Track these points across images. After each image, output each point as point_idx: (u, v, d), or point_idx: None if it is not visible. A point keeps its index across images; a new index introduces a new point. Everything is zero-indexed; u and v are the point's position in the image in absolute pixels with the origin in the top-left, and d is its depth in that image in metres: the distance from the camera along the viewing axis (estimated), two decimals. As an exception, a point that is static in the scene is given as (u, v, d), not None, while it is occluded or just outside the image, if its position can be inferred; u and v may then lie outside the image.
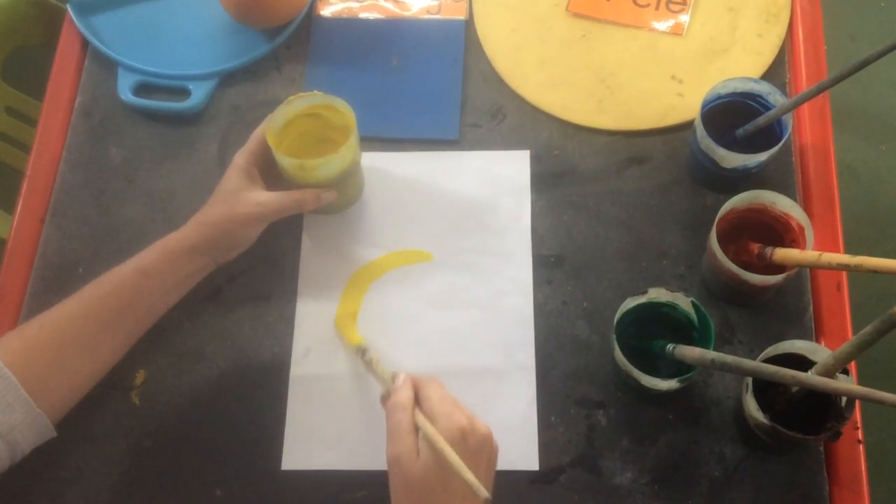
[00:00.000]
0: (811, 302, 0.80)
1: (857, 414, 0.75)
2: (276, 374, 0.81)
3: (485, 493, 0.58)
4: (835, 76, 0.70)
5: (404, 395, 0.65)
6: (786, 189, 0.83)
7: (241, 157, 0.80)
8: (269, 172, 0.81)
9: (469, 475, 0.59)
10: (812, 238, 0.72)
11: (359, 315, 0.82)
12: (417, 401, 0.65)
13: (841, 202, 0.85)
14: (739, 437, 0.76)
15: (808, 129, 0.87)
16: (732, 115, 0.80)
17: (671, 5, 0.93)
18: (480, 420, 0.64)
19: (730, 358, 0.63)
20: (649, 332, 0.75)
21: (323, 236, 0.86)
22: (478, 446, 0.63)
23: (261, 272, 0.85)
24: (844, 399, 0.67)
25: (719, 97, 0.80)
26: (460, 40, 0.94)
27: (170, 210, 0.88)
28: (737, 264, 0.72)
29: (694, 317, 0.73)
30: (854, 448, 0.75)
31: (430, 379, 0.67)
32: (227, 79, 0.94)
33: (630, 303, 0.72)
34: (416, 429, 0.63)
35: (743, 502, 0.74)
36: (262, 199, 0.78)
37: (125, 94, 0.92)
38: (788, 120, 0.77)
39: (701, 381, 0.78)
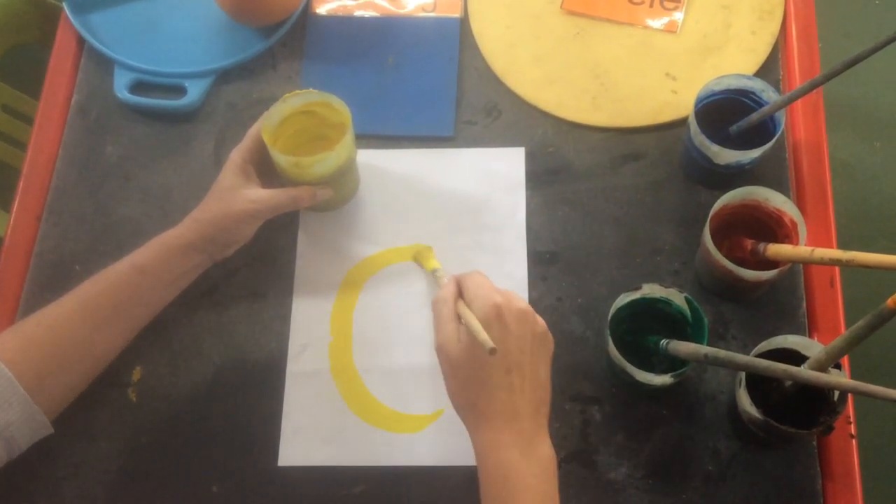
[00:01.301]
0: (804, 297, 0.81)
1: (850, 408, 0.75)
2: (273, 371, 0.81)
3: (490, 344, 0.60)
4: (827, 72, 0.70)
5: (446, 289, 0.68)
6: (779, 185, 0.84)
7: (236, 155, 0.80)
8: (265, 170, 0.82)
9: (478, 330, 0.62)
10: (805, 234, 0.73)
11: (355, 311, 0.83)
12: (461, 293, 0.68)
13: (835, 199, 0.85)
14: (733, 431, 0.76)
15: (802, 125, 0.88)
16: (726, 111, 0.80)
17: (665, 3, 0.93)
18: (520, 299, 0.66)
19: (723, 353, 0.63)
20: (643, 327, 0.75)
21: (319, 233, 0.86)
22: (515, 320, 0.64)
23: (257, 269, 0.85)
24: (837, 393, 0.67)
25: (713, 94, 0.81)
26: (455, 38, 0.94)
27: (166, 207, 0.88)
28: (730, 260, 0.72)
29: (688, 312, 0.73)
30: (847, 442, 0.75)
31: (472, 272, 0.69)
32: (224, 77, 0.94)
33: (624, 298, 0.73)
34: (458, 318, 0.66)
35: (736, 497, 0.74)
36: (257, 196, 0.78)
37: (121, 91, 0.93)
38: (781, 116, 0.77)
39: (695, 376, 0.78)
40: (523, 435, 0.64)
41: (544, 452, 0.64)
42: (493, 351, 0.60)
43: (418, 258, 0.84)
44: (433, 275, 0.82)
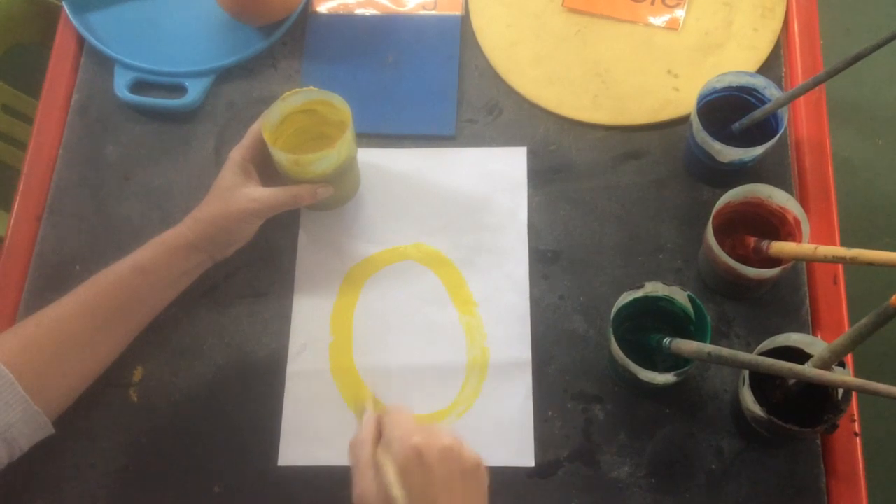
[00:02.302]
0: (808, 295, 0.80)
1: (854, 407, 0.75)
2: (273, 371, 0.81)
3: (395, 491, 0.56)
4: (830, 70, 0.70)
5: (364, 431, 0.62)
6: (782, 183, 0.83)
7: (237, 154, 0.80)
8: (265, 169, 0.81)
9: (390, 484, 0.56)
10: (808, 231, 0.73)
11: (355, 311, 0.82)
12: (380, 435, 0.62)
13: (837, 196, 0.85)
14: (736, 430, 0.76)
15: (804, 122, 0.88)
16: (728, 109, 0.80)
17: (667, 0, 0.93)
18: (447, 435, 0.60)
19: (726, 351, 0.63)
20: (646, 326, 0.75)
21: (319, 233, 0.86)
22: (439, 461, 0.58)
23: (257, 269, 0.85)
24: (841, 391, 0.67)
25: (715, 91, 0.81)
26: (456, 36, 0.94)
27: (167, 207, 0.88)
28: (733, 258, 0.72)
29: (690, 310, 0.73)
30: (851, 441, 0.75)
31: (394, 408, 0.63)
32: (224, 76, 0.94)
33: (627, 297, 0.73)
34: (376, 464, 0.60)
35: (740, 495, 0.74)
36: (257, 194, 0.78)
37: (121, 91, 0.92)
38: (784, 114, 0.77)
39: (698, 374, 0.78)
40: None
41: None
42: (396, 500, 0.55)
43: (358, 405, 0.78)
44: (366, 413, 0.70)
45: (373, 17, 0.96)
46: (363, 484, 0.59)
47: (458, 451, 0.59)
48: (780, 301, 0.80)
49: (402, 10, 0.96)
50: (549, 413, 0.78)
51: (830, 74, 0.70)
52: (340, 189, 0.84)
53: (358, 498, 0.59)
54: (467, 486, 0.59)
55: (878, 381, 0.55)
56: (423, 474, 0.57)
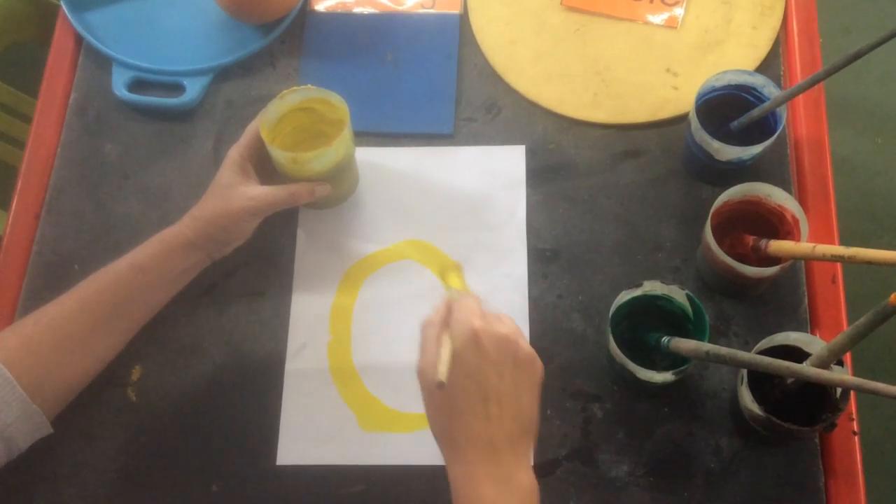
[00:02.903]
0: (806, 294, 0.80)
1: (853, 405, 0.75)
2: (272, 370, 0.81)
3: (440, 376, 0.58)
4: (828, 68, 0.70)
5: (436, 312, 0.65)
6: (780, 181, 0.83)
7: (235, 152, 0.80)
8: (263, 167, 0.81)
9: (442, 360, 0.59)
10: (807, 230, 0.72)
11: (354, 309, 0.82)
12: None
13: (837, 195, 0.85)
14: (735, 429, 0.76)
15: (803, 121, 0.87)
16: (727, 107, 0.80)
17: (666, -2, 0.93)
18: (508, 324, 0.63)
19: (724, 350, 0.63)
20: (644, 324, 0.75)
21: (318, 231, 0.86)
22: (495, 346, 0.61)
23: (256, 267, 0.85)
24: (839, 390, 0.67)
25: (714, 90, 0.80)
26: (455, 35, 0.94)
27: (165, 206, 0.88)
28: (732, 257, 0.72)
29: (689, 309, 0.73)
30: (849, 439, 0.75)
31: (466, 296, 0.66)
32: (222, 74, 0.94)
33: (625, 296, 0.73)
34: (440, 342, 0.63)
35: (739, 494, 0.74)
36: (255, 193, 0.78)
37: (119, 90, 0.92)
38: (783, 112, 0.77)
39: (696, 373, 0.78)
40: (500, 467, 0.60)
41: (523, 484, 0.60)
42: (440, 385, 0.58)
43: (444, 273, 0.82)
44: (447, 293, 0.76)
45: (371, 15, 0.96)
46: (424, 360, 0.62)
47: (515, 341, 0.62)
48: (779, 300, 0.80)
49: (400, 8, 0.96)
50: (548, 412, 0.78)
51: (829, 73, 0.70)
52: (338, 187, 0.84)
53: (419, 373, 0.62)
54: (519, 374, 0.62)
55: (877, 379, 0.55)
56: (477, 356, 0.60)
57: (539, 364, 0.64)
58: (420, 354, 0.63)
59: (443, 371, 0.58)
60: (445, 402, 0.61)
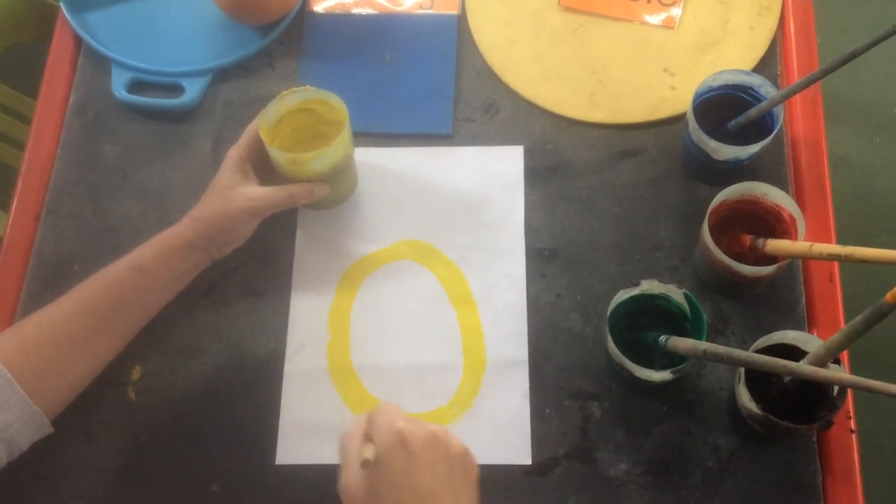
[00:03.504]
0: (803, 293, 0.81)
1: (850, 404, 0.75)
2: (271, 369, 0.81)
3: (364, 455, 0.56)
4: (825, 67, 0.70)
5: (353, 426, 0.61)
6: (778, 181, 0.84)
7: (234, 153, 0.80)
8: (262, 168, 0.82)
9: (364, 453, 0.56)
10: (803, 229, 0.73)
11: (352, 309, 0.83)
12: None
13: (834, 195, 0.85)
14: (733, 427, 0.76)
15: (800, 120, 0.88)
16: (724, 107, 0.80)
17: (663, -2, 0.93)
18: (435, 425, 0.59)
19: (722, 348, 0.63)
20: (642, 324, 0.75)
21: (317, 232, 0.86)
22: (423, 446, 0.58)
23: (255, 268, 0.85)
24: (836, 389, 0.67)
25: (711, 90, 0.81)
26: (453, 35, 0.94)
27: (165, 206, 0.88)
28: (729, 256, 0.72)
29: (687, 308, 0.73)
30: (847, 438, 0.75)
31: (382, 405, 0.62)
32: (221, 75, 0.94)
33: (623, 295, 0.73)
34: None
35: (737, 492, 0.74)
36: (255, 193, 0.78)
37: (119, 91, 0.93)
38: (780, 112, 0.77)
39: (694, 372, 0.78)
40: None
41: None
42: (365, 463, 0.56)
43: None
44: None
45: (370, 16, 0.96)
46: (348, 476, 0.58)
47: (445, 438, 0.59)
48: (776, 299, 0.80)
49: (398, 9, 0.96)
50: (547, 411, 0.78)
51: (826, 72, 0.71)
52: (337, 188, 0.84)
53: (342, 489, 0.59)
54: (453, 471, 0.58)
55: (875, 378, 0.56)
56: (405, 458, 0.57)
57: (473, 460, 0.60)
58: (342, 472, 0.59)
59: (366, 453, 0.56)
60: None
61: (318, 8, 0.97)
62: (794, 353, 0.68)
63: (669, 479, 0.75)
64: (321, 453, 0.77)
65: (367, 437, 0.60)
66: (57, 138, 0.93)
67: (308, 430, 0.78)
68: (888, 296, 0.53)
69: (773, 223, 0.77)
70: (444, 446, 0.58)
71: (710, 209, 0.74)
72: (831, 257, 0.66)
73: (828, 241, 0.82)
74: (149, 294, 0.78)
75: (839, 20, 1.81)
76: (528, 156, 0.88)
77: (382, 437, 0.58)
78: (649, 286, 0.73)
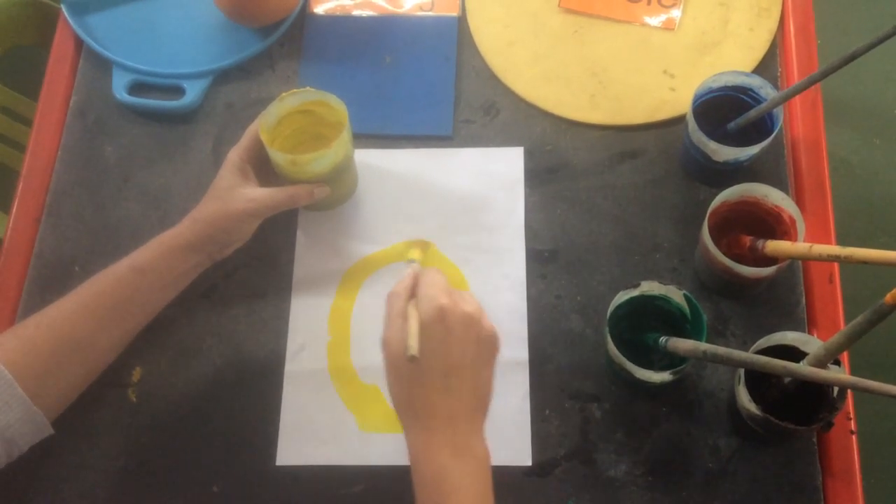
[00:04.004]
0: (803, 294, 0.81)
1: (850, 405, 0.75)
2: (272, 370, 0.81)
3: (411, 350, 0.60)
4: (825, 69, 0.70)
5: (402, 284, 0.67)
6: (778, 182, 0.84)
7: (234, 154, 0.80)
8: (263, 169, 0.82)
9: (410, 334, 0.61)
10: (803, 230, 0.73)
11: (353, 310, 0.83)
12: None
13: (835, 196, 0.85)
14: (733, 428, 0.76)
15: (800, 122, 0.88)
16: (724, 108, 0.80)
17: (663, 0, 0.93)
18: (472, 302, 0.65)
19: (722, 349, 0.63)
20: (642, 325, 0.75)
21: (317, 233, 0.86)
22: (460, 324, 0.63)
23: (256, 269, 0.85)
24: (836, 390, 0.67)
25: (711, 91, 0.81)
26: (453, 37, 0.94)
27: (165, 208, 0.89)
28: (729, 257, 0.72)
29: (686, 309, 0.73)
30: (847, 439, 0.75)
31: (430, 269, 0.68)
32: (221, 77, 0.94)
33: (623, 296, 0.73)
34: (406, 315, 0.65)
35: (737, 493, 0.74)
36: (255, 195, 0.78)
37: (119, 93, 0.93)
38: (779, 113, 0.77)
39: (694, 373, 0.78)
40: (457, 437, 0.63)
41: (478, 452, 0.64)
42: (412, 359, 0.60)
43: (408, 247, 0.84)
44: (408, 265, 0.79)
45: (370, 18, 0.96)
46: (390, 331, 0.64)
47: (479, 319, 0.65)
48: (776, 300, 0.80)
49: (398, 11, 0.96)
50: (547, 412, 0.78)
51: (825, 73, 0.71)
52: (337, 189, 0.84)
53: (384, 343, 0.65)
54: (480, 350, 0.65)
55: (875, 379, 0.56)
56: (443, 332, 0.63)
57: (498, 341, 0.67)
58: (385, 325, 0.65)
59: (413, 345, 0.61)
60: (409, 373, 0.63)
61: (319, 10, 0.97)
62: (794, 354, 0.68)
63: (669, 480, 0.75)
64: (321, 454, 0.77)
65: (412, 298, 0.66)
66: (58, 140, 0.93)
67: (309, 432, 0.78)
68: (888, 297, 0.53)
69: (772, 224, 0.77)
70: (477, 327, 0.65)
71: (709, 210, 0.74)
72: (831, 258, 0.66)
73: (828, 241, 0.82)
74: (149, 295, 0.78)
75: (839, 21, 1.81)
76: (528, 157, 0.88)
77: (425, 309, 0.63)
78: (649, 287, 0.73)
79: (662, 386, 0.75)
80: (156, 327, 0.81)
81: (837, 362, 0.66)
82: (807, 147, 0.87)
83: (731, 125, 0.79)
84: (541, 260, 0.84)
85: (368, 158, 0.89)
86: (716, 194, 0.75)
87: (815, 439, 0.76)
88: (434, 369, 0.63)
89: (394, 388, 0.65)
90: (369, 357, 0.81)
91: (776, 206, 0.76)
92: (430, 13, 0.96)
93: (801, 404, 0.68)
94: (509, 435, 0.77)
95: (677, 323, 0.75)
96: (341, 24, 0.96)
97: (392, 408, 0.67)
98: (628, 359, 0.69)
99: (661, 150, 0.88)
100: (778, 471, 0.75)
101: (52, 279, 0.86)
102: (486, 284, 0.83)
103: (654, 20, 0.93)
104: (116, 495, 0.78)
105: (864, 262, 0.63)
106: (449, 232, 0.85)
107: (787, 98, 0.74)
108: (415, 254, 0.83)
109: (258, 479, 0.77)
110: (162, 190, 0.90)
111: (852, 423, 0.76)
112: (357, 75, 0.93)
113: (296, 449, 0.78)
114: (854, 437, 0.75)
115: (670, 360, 0.74)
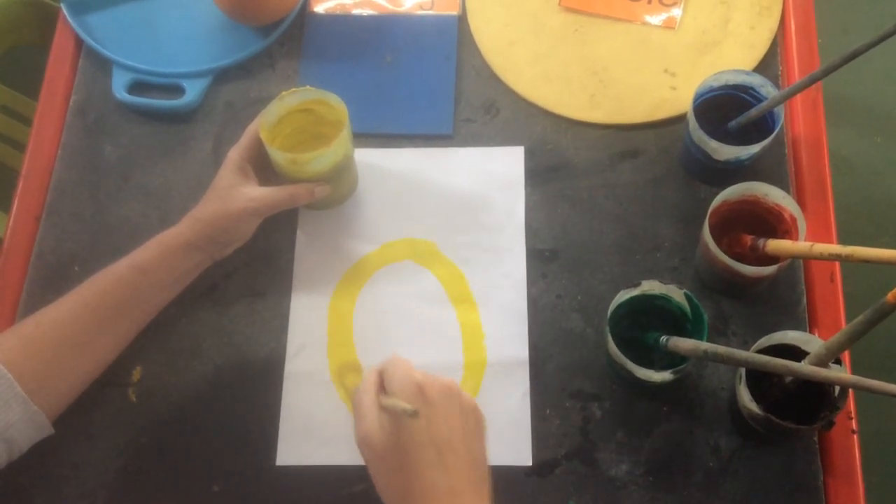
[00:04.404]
0: (805, 293, 0.80)
1: (851, 404, 0.75)
2: (272, 370, 0.81)
3: (409, 407, 0.58)
4: (826, 67, 0.70)
5: (367, 380, 0.65)
6: (778, 181, 0.84)
7: (234, 153, 0.80)
8: (263, 168, 0.82)
9: (396, 402, 0.59)
10: (804, 229, 0.73)
11: (353, 310, 0.83)
12: (382, 382, 0.65)
13: (836, 195, 0.85)
14: (734, 427, 0.76)
15: (801, 120, 0.88)
16: (725, 107, 0.80)
17: (663, -1, 0.93)
18: (447, 378, 0.64)
19: (723, 349, 0.63)
20: (643, 324, 0.75)
21: (317, 232, 0.86)
22: (440, 395, 0.62)
23: (256, 268, 0.85)
24: (837, 389, 0.67)
25: (711, 90, 0.81)
26: (453, 36, 0.94)
27: (165, 207, 0.88)
28: (730, 256, 0.72)
29: (687, 309, 0.73)
30: (848, 438, 0.75)
31: (391, 359, 0.66)
32: (221, 76, 0.94)
33: (623, 295, 0.73)
34: (380, 408, 0.63)
35: (738, 493, 0.74)
36: (255, 194, 0.78)
37: (119, 92, 0.93)
38: (780, 112, 0.77)
39: (695, 372, 0.78)
40: None
41: None
42: (414, 413, 0.58)
43: (342, 375, 0.81)
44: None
45: (370, 17, 0.96)
46: (367, 425, 0.62)
47: (457, 390, 0.63)
48: (777, 299, 0.80)
49: (399, 10, 0.96)
50: (547, 411, 0.78)
51: (826, 72, 0.71)
52: (338, 188, 0.84)
53: (362, 440, 0.62)
54: (467, 422, 0.63)
55: (876, 378, 0.56)
56: (424, 406, 0.61)
57: (481, 413, 0.65)
58: (358, 425, 0.62)
59: (406, 405, 0.58)
60: (399, 464, 0.61)
61: (319, 9, 0.97)
62: (795, 353, 0.68)
63: (670, 480, 0.75)
64: (322, 454, 0.77)
65: (381, 391, 0.63)
66: (58, 139, 0.93)
67: (309, 432, 0.78)
68: (889, 296, 0.53)
69: (773, 223, 0.77)
70: (457, 397, 0.63)
71: (710, 209, 0.74)
72: (832, 257, 0.66)
73: (829, 240, 0.82)
74: (149, 294, 0.78)
75: (840, 20, 1.80)
76: (529, 156, 0.88)
77: (402, 387, 0.62)
78: (650, 286, 0.73)
79: (663, 385, 0.75)
80: (156, 327, 0.81)
81: (839, 361, 0.66)
82: (808, 146, 0.87)
83: (732, 124, 0.79)
84: (541, 259, 0.84)
85: (369, 157, 0.89)
86: (716, 193, 0.75)
87: (816, 439, 0.76)
88: (425, 449, 0.60)
89: (383, 481, 0.62)
90: (370, 357, 0.81)
91: (777, 205, 0.75)
92: (431, 12, 0.95)
93: (803, 404, 0.68)
94: (509, 435, 0.77)
95: (678, 322, 0.75)
96: (341, 23, 0.96)
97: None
98: (629, 358, 0.69)
99: (662, 149, 0.88)
100: (779, 470, 0.74)
101: (52, 278, 0.86)
102: (486, 283, 0.83)
103: (655, 19, 0.93)
104: (116, 495, 0.78)
105: (866, 261, 0.63)
106: (449, 231, 0.85)
107: (787, 97, 0.74)
108: (353, 379, 0.80)
109: (258, 479, 0.77)
110: (162, 189, 0.90)
111: (854, 422, 0.75)
112: (357, 74, 0.93)
113: (296, 449, 0.78)
114: (855, 436, 0.75)
115: (671, 360, 0.74)
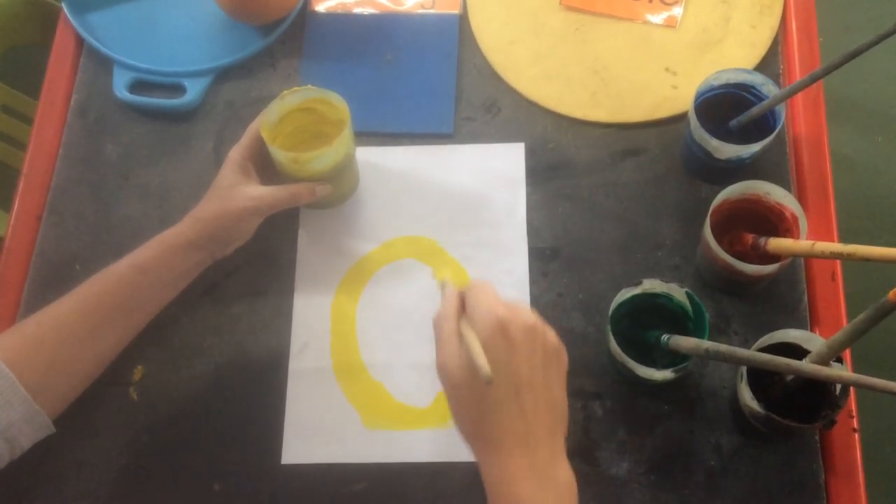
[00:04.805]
0: (806, 292, 0.80)
1: (853, 403, 0.75)
2: (275, 369, 0.81)
3: (484, 370, 0.55)
4: (827, 66, 0.70)
5: (447, 304, 0.61)
6: (780, 179, 0.84)
7: (236, 153, 0.80)
8: (264, 167, 0.82)
9: (476, 353, 0.56)
10: (805, 227, 0.73)
11: (356, 308, 0.83)
12: (464, 308, 0.61)
13: (837, 194, 0.85)
14: (735, 426, 0.76)
15: (802, 119, 0.88)
16: (726, 106, 0.80)
17: (664, -3, 0.93)
18: (529, 311, 0.60)
19: (724, 347, 0.63)
20: (644, 322, 0.75)
21: (319, 231, 0.86)
22: (523, 336, 0.58)
23: (258, 267, 0.85)
24: (839, 387, 0.67)
25: (713, 88, 0.81)
26: (454, 35, 0.94)
27: (166, 206, 0.88)
28: (731, 255, 0.72)
29: (688, 307, 0.73)
30: (849, 436, 0.75)
31: (476, 283, 0.62)
32: (222, 75, 0.94)
33: (625, 294, 0.73)
34: (459, 337, 0.59)
35: (739, 491, 0.74)
36: (256, 193, 0.78)
37: (120, 91, 0.93)
38: (781, 110, 0.77)
39: (696, 371, 0.78)
40: (539, 463, 0.58)
41: (563, 478, 0.59)
42: (489, 380, 0.54)
43: (437, 271, 0.82)
44: (440, 288, 0.72)
45: (371, 15, 0.96)
46: (446, 353, 0.59)
47: (542, 331, 0.59)
48: (778, 297, 0.80)
49: (400, 8, 0.96)
50: (549, 410, 0.78)
51: (827, 71, 0.70)
52: (339, 187, 0.84)
53: (441, 367, 0.59)
54: (548, 365, 0.59)
55: (877, 376, 0.56)
56: (507, 347, 0.57)
57: (565, 353, 0.62)
58: (438, 351, 0.60)
59: (484, 365, 0.55)
60: (474, 396, 0.58)
61: (320, 8, 0.97)
62: (797, 351, 0.68)
63: (671, 478, 0.75)
64: (326, 452, 0.77)
65: (462, 316, 0.60)
66: (59, 138, 0.93)
67: (313, 430, 0.78)
68: (890, 294, 0.53)
69: (775, 222, 0.77)
70: (542, 338, 0.59)
71: (711, 208, 0.74)
72: (833, 256, 0.66)
73: (830, 239, 0.82)
74: (150, 293, 0.78)
75: (841, 18, 1.80)
76: (530, 155, 0.88)
77: (483, 322, 0.58)
78: (651, 285, 0.73)
79: (664, 384, 0.75)
80: (157, 326, 0.81)
81: (840, 360, 0.66)
82: (809, 144, 0.87)
83: (733, 123, 0.79)
84: (542, 258, 0.84)
85: (370, 156, 0.89)
86: (718, 192, 0.75)
87: (817, 437, 0.76)
88: (503, 388, 0.57)
89: (458, 414, 0.60)
90: (374, 355, 0.81)
91: (778, 204, 0.75)
92: (432, 11, 0.95)
93: (804, 402, 0.68)
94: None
95: (679, 321, 0.75)
96: (342, 21, 0.96)
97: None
98: (630, 357, 0.69)
99: (663, 147, 0.87)
100: (780, 469, 0.74)
101: (53, 278, 0.86)
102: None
103: (656, 18, 0.93)
104: (118, 494, 0.78)
105: (867, 260, 0.63)
106: (451, 229, 0.85)
107: (788, 95, 0.74)
108: (444, 273, 0.79)
109: (262, 478, 0.77)
110: (163, 188, 0.90)
111: (855, 420, 0.76)
112: (358, 73, 0.93)
113: (301, 447, 0.78)
114: (857, 434, 0.75)
115: (672, 358, 0.74)
